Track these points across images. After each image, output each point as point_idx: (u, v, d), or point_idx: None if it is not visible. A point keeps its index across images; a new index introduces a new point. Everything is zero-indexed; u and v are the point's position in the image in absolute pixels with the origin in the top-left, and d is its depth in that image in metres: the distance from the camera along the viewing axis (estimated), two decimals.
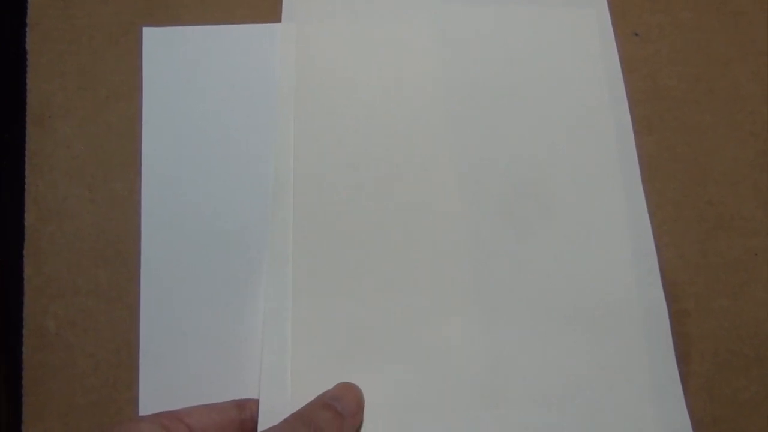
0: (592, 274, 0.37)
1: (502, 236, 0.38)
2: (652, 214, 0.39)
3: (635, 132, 0.40)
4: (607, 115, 0.40)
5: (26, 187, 0.38)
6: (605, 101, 0.41)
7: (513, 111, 0.40)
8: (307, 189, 0.38)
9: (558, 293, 0.37)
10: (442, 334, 0.36)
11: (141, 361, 0.35)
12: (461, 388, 0.35)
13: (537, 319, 0.36)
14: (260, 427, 0.32)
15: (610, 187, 0.39)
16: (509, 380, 0.35)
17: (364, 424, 0.34)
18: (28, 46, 0.40)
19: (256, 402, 0.33)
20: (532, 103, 0.40)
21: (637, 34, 0.43)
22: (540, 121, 0.40)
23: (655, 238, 0.39)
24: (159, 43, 0.40)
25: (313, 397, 0.33)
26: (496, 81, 0.41)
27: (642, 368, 0.36)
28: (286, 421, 0.31)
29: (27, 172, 0.38)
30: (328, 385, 0.34)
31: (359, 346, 0.35)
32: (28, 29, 0.40)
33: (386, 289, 0.36)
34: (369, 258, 0.37)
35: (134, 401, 0.35)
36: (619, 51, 0.42)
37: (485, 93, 0.40)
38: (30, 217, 0.37)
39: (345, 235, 0.37)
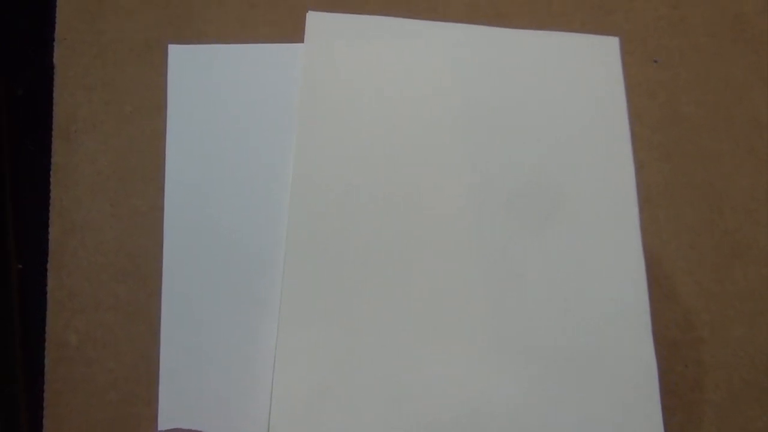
0: (582, 323, 0.37)
1: (497, 274, 0.38)
2: (668, 242, 0.39)
3: (653, 158, 0.41)
4: (607, 149, 0.40)
5: (51, 200, 0.38)
6: (608, 134, 0.40)
7: (520, 140, 0.40)
8: (304, 209, 0.38)
9: (547, 340, 0.37)
10: (425, 372, 0.36)
11: (160, 376, 0.36)
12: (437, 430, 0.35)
13: (524, 366, 0.36)
14: None
15: (607, 228, 0.39)
16: (489, 426, 0.35)
17: None
18: (56, 60, 0.40)
19: None
20: (537, 131, 0.40)
21: (656, 61, 0.43)
22: (545, 149, 0.40)
23: (671, 264, 0.39)
24: (184, 61, 0.41)
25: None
26: (504, 108, 0.41)
27: (626, 423, 0.36)
28: None
29: (52, 186, 0.38)
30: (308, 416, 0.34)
31: (341, 378, 0.36)
32: (55, 43, 0.41)
33: (377, 318, 0.37)
34: (363, 285, 0.37)
35: (153, 417, 0.35)
36: (637, 77, 0.42)
37: (493, 119, 0.40)
38: (54, 231, 0.38)
39: (341, 259, 0.37)
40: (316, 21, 0.41)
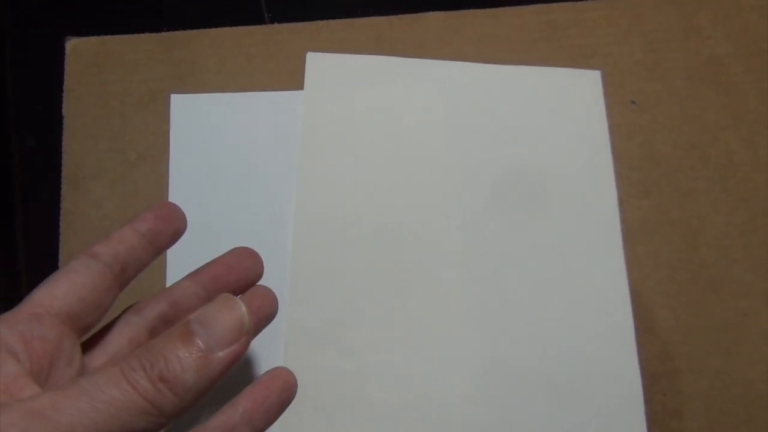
0: (567, 342, 0.39)
1: (487, 300, 0.40)
2: (648, 276, 0.41)
3: (632, 196, 0.43)
4: (593, 182, 0.43)
5: (60, 245, 0.40)
6: (594, 168, 0.43)
7: (508, 172, 0.42)
8: (305, 247, 0.40)
9: (533, 362, 0.39)
10: (419, 389, 0.38)
11: None
12: None
13: (514, 386, 0.39)
14: None
15: (592, 257, 0.41)
16: None
17: None
18: (65, 111, 0.43)
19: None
20: (525, 162, 0.43)
21: (634, 102, 0.45)
22: (532, 179, 0.42)
23: (650, 298, 0.41)
24: (186, 109, 0.43)
25: None
26: (493, 140, 0.43)
27: None
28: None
29: (61, 231, 0.41)
30: None
31: (345, 395, 0.38)
32: (64, 95, 0.43)
33: (375, 346, 0.39)
34: (359, 314, 0.39)
35: None
36: (616, 118, 0.44)
37: (482, 152, 0.43)
38: None
39: (342, 289, 0.40)
40: (315, 61, 0.44)
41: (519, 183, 0.42)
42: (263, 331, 0.36)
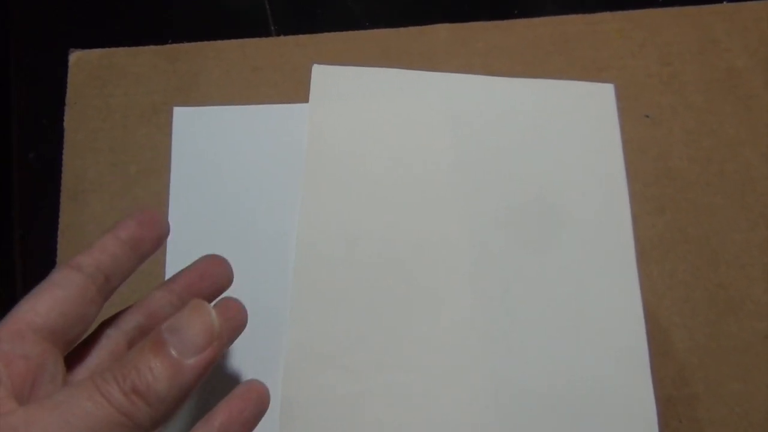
0: (579, 364, 0.38)
1: (497, 319, 0.39)
2: (663, 296, 0.40)
3: (646, 213, 0.41)
4: (606, 198, 0.41)
5: (58, 259, 0.40)
6: (606, 184, 0.42)
7: (518, 187, 0.41)
8: (308, 264, 0.39)
9: (546, 385, 0.38)
10: (425, 412, 0.37)
11: None
12: None
13: (524, 410, 0.37)
14: None
15: (605, 276, 0.39)
16: None
17: None
18: (66, 124, 0.42)
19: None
20: (535, 177, 0.41)
21: (648, 116, 0.44)
22: (542, 194, 0.41)
23: (665, 319, 0.39)
24: (189, 122, 0.42)
25: None
26: (503, 155, 0.42)
27: None
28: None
29: (60, 245, 0.40)
30: None
31: (346, 425, 0.37)
32: (66, 108, 0.42)
33: (379, 368, 0.38)
34: (363, 334, 0.38)
35: None
36: (630, 132, 0.43)
37: (492, 166, 0.42)
38: None
39: (345, 309, 0.39)
40: (321, 73, 0.43)
41: (529, 199, 0.41)
42: (263, 351, 0.35)
